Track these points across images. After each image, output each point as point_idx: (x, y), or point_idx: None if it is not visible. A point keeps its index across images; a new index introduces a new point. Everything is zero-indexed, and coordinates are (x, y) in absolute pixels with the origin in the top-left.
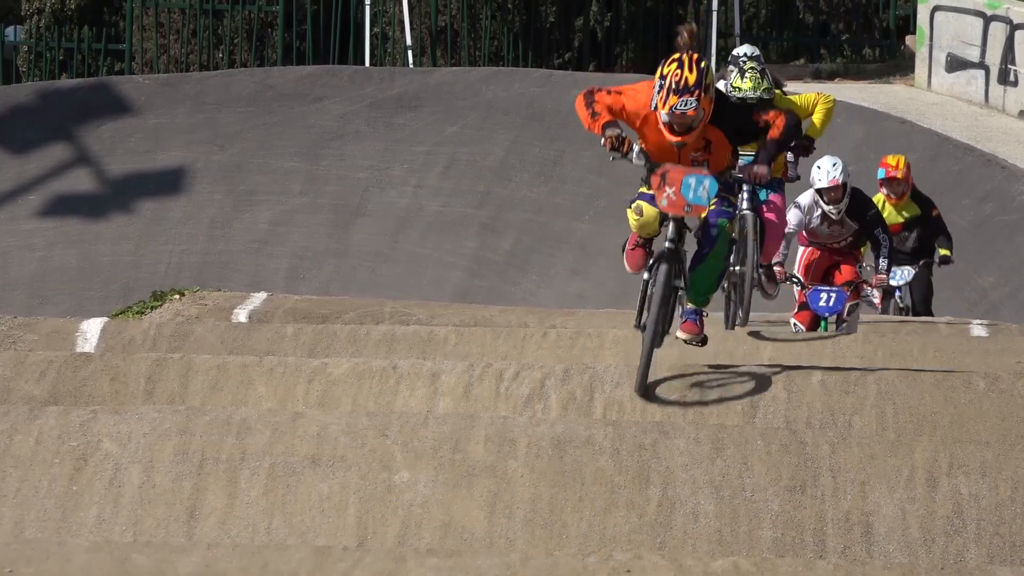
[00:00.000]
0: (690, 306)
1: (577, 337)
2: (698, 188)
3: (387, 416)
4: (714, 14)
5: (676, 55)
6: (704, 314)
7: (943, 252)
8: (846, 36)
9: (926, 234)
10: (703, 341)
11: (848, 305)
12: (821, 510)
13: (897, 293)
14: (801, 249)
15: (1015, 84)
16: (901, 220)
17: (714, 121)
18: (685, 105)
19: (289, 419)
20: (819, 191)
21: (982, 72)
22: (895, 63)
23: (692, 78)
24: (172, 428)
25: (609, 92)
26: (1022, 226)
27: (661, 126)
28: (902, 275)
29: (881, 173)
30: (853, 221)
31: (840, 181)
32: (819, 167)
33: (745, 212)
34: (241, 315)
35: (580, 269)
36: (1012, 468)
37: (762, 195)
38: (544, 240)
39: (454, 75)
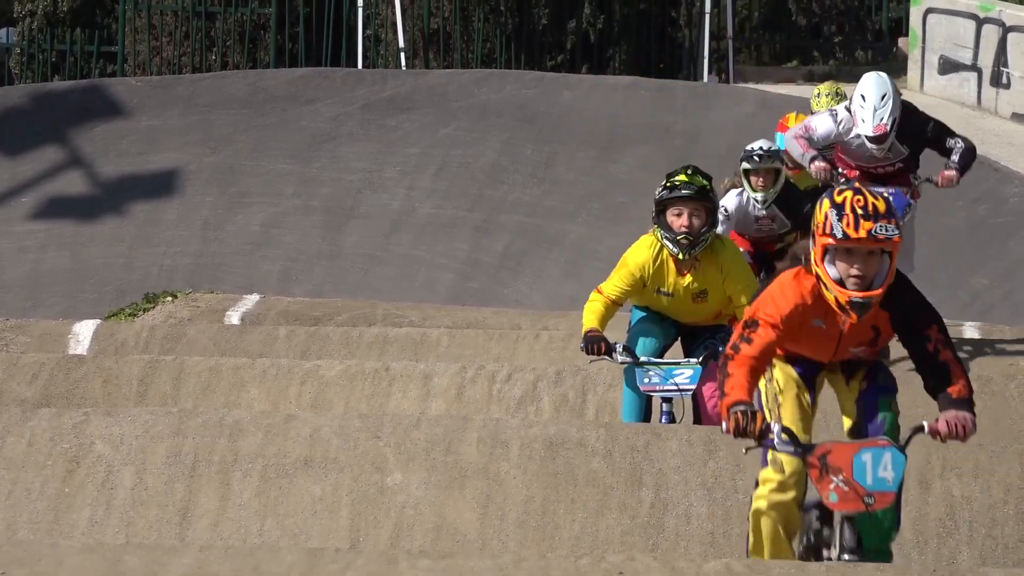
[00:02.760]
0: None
1: (570, 339)
2: (878, 467)
3: (379, 418)
4: (707, 16)
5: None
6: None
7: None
8: (839, 38)
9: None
10: None
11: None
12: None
13: None
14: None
15: (1008, 86)
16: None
17: (885, 304)
18: (886, 231)
19: (281, 421)
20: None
21: (975, 74)
22: (888, 65)
23: (881, 205)
24: (164, 430)
25: (747, 336)
26: (1015, 228)
27: (834, 291)
28: None
29: (780, 141)
30: (904, 145)
31: (888, 126)
32: (862, 103)
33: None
34: (234, 317)
35: (573, 271)
36: (1004, 470)
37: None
38: (537, 242)
39: (446, 77)
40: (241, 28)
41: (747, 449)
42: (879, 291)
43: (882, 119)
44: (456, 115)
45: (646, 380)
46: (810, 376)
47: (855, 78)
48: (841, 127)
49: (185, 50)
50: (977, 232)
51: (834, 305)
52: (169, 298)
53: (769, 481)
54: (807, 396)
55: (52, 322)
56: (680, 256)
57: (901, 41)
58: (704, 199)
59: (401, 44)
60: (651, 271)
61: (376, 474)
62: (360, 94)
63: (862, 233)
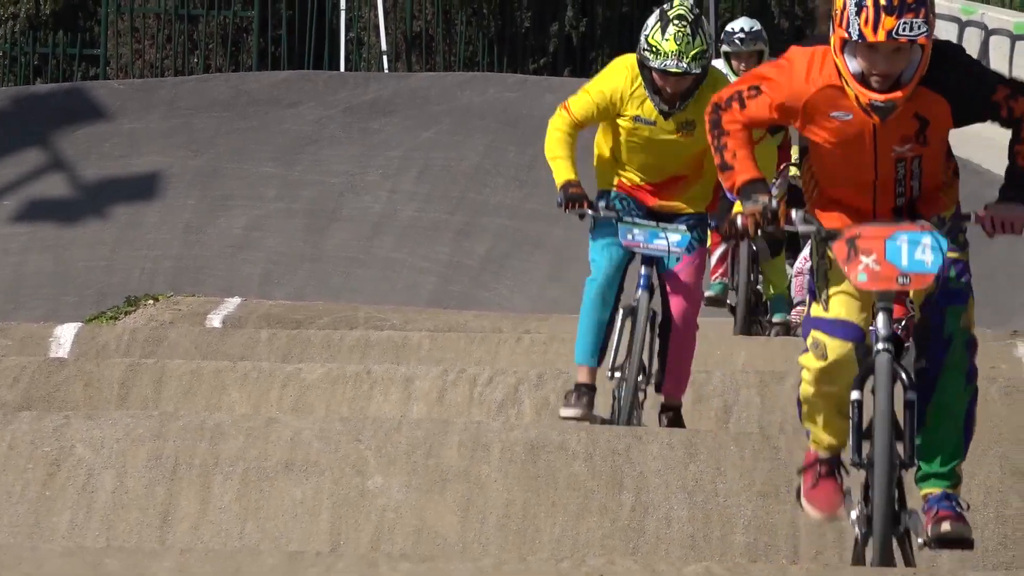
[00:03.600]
0: (934, 490)
1: (551, 342)
2: (914, 248)
3: (361, 421)
4: None
5: None
6: (960, 504)
7: None
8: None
9: None
10: (965, 542)
11: None
12: (794, 515)
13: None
14: None
15: None
16: None
17: (932, 81)
18: (911, 29)
19: (263, 424)
20: None
21: None
22: None
23: None
24: (145, 433)
25: (745, 98)
26: None
27: (854, 89)
28: None
29: None
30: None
31: None
32: None
33: (637, 306)
34: (215, 320)
35: (555, 274)
36: (984, 474)
37: (670, 261)
38: (519, 245)
39: (429, 80)
40: (223, 31)
41: (755, 244)
42: (906, 91)
43: None
44: (438, 118)
45: (629, 236)
46: None
47: None
48: None
49: (167, 53)
50: None
51: (854, 102)
52: (150, 301)
53: (811, 369)
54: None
55: (33, 325)
56: (661, 116)
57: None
58: (693, 72)
59: (383, 47)
60: (628, 95)
61: (357, 477)
62: (342, 97)
63: (880, 36)
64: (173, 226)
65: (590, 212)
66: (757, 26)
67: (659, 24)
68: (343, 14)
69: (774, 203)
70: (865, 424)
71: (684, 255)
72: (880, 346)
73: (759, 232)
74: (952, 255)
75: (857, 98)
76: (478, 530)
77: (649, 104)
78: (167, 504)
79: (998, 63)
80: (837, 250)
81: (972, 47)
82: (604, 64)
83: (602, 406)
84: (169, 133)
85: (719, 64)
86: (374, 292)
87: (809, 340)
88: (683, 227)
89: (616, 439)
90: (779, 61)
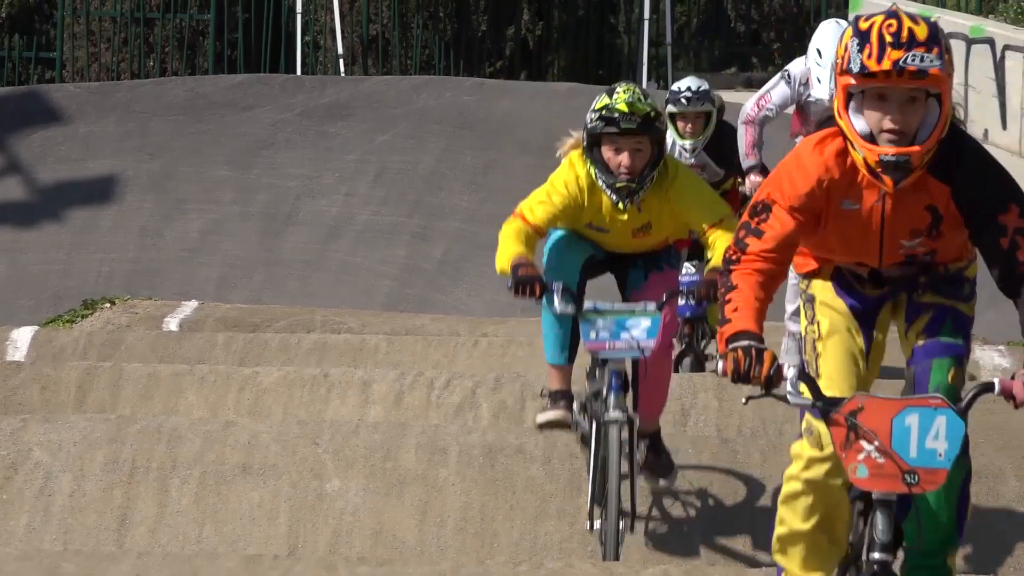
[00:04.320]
0: None
1: (508, 345)
2: (926, 433)
3: (318, 425)
4: (645, 23)
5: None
6: None
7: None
8: (777, 45)
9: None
10: None
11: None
12: (752, 518)
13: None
14: None
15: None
16: None
17: (940, 170)
18: (921, 61)
19: (220, 428)
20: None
21: None
22: None
23: (921, 32)
24: (103, 437)
25: (757, 228)
26: None
27: (860, 149)
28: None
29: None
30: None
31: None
32: (818, 60)
33: (607, 433)
34: (172, 324)
35: None
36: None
37: (633, 280)
38: (475, 249)
39: (385, 84)
40: (180, 34)
41: (747, 399)
42: (921, 147)
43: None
44: (395, 122)
45: (592, 335)
46: (868, 312)
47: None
48: (796, 86)
49: (123, 56)
50: None
51: (863, 169)
52: (107, 304)
53: (803, 458)
54: (860, 341)
55: None
56: (620, 207)
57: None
58: (649, 131)
59: (340, 51)
60: (584, 198)
61: (315, 481)
62: (299, 100)
63: (886, 64)
64: (129, 229)
65: (543, 302)
66: (705, 85)
67: (604, 94)
68: (299, 17)
69: (765, 356)
70: None
71: (652, 273)
72: (876, 556)
73: (738, 379)
74: (955, 305)
75: (866, 161)
76: (436, 533)
77: (604, 207)
78: (124, 507)
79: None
80: (835, 433)
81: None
82: (560, 68)
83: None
84: (125, 136)
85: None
86: (331, 295)
87: (803, 425)
88: (652, 306)
89: (574, 443)
90: (785, 163)
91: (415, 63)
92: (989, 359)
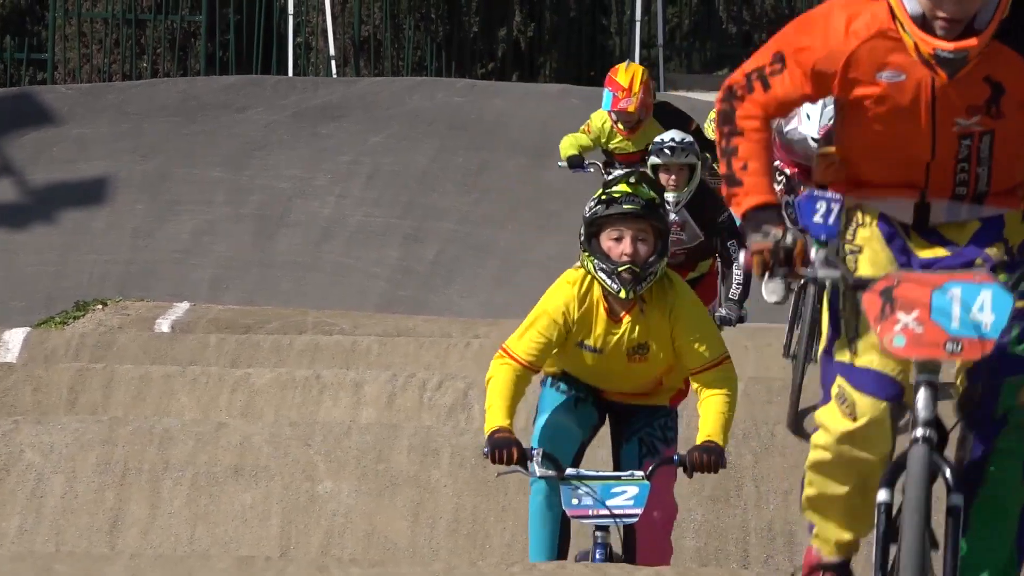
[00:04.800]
0: None
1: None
2: (970, 305)
3: (310, 426)
4: (637, 24)
5: None
6: None
7: None
8: None
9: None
10: None
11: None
12: (744, 520)
13: None
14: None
15: None
16: (639, 150)
17: (1012, 35)
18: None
19: (212, 429)
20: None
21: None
22: None
23: None
24: (95, 438)
25: (767, 75)
26: None
27: (913, 35)
28: None
29: (607, 100)
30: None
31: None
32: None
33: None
34: (164, 325)
35: (504, 279)
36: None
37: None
38: (468, 250)
39: (377, 85)
40: (171, 36)
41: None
42: (983, 38)
43: (831, 118)
44: (387, 123)
45: (574, 502)
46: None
47: None
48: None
49: (115, 57)
50: None
51: (913, 54)
52: (99, 306)
53: (832, 431)
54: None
55: None
56: (622, 294)
57: None
58: (653, 216)
59: (332, 52)
60: (576, 315)
61: (307, 482)
62: (291, 102)
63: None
64: (122, 231)
65: (519, 470)
66: (689, 138)
67: (602, 187)
68: (291, 19)
69: (789, 238)
70: (894, 533)
71: (648, 460)
72: (919, 433)
73: (766, 274)
74: (1018, 303)
75: (917, 48)
76: (428, 535)
77: (598, 328)
78: (117, 509)
79: None
80: (868, 304)
81: None
82: (552, 69)
83: None
84: (117, 138)
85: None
86: (323, 297)
87: (834, 390)
88: (638, 474)
89: None
90: (809, 14)
91: (407, 64)
92: None
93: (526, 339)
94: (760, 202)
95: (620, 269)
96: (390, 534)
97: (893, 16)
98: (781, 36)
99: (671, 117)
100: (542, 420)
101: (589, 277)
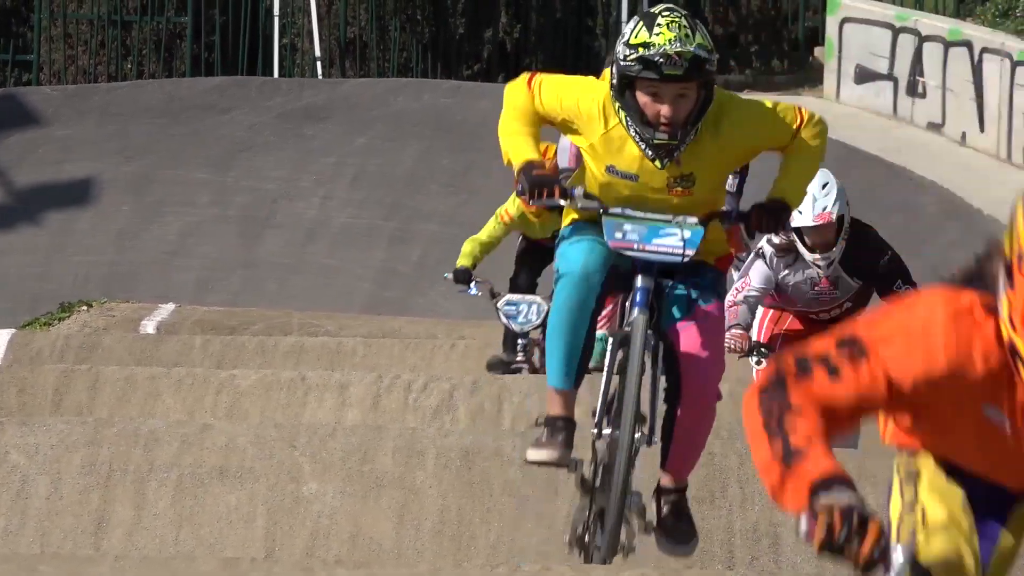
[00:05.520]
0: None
1: (486, 348)
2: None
3: (295, 427)
4: (623, 26)
5: None
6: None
7: None
8: (755, 48)
9: None
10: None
11: None
12: (729, 521)
13: None
14: (762, 309)
15: (923, 96)
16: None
17: None
18: None
19: (197, 431)
20: (799, 231)
21: (891, 84)
22: (804, 74)
23: None
24: (80, 440)
25: (836, 364)
26: (930, 236)
27: None
28: None
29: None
30: (854, 278)
31: (833, 215)
32: None
33: (632, 331)
34: (149, 326)
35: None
36: None
37: (676, 311)
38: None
39: (363, 86)
40: (157, 37)
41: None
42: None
43: (825, 207)
44: (372, 124)
45: (618, 234)
46: (992, 509)
47: (772, 87)
48: (773, 264)
49: (101, 59)
50: (892, 241)
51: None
52: (84, 307)
53: None
54: (975, 544)
55: None
56: (656, 164)
57: (817, 51)
58: (699, 75)
59: (317, 53)
60: (598, 130)
61: (292, 484)
62: (276, 103)
63: None
64: (107, 232)
65: (562, 202)
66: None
67: (642, 23)
68: (277, 20)
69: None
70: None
71: (698, 306)
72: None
73: (828, 549)
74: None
75: None
76: (413, 536)
77: (629, 150)
78: (102, 510)
79: (931, 70)
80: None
81: (905, 54)
82: (537, 70)
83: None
84: (103, 139)
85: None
86: (308, 298)
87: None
88: (692, 219)
89: None
90: (904, 318)
91: (392, 66)
92: None
93: (552, 89)
94: (830, 471)
95: (656, 141)
96: (375, 535)
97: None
98: (862, 320)
99: None
100: (571, 245)
101: None
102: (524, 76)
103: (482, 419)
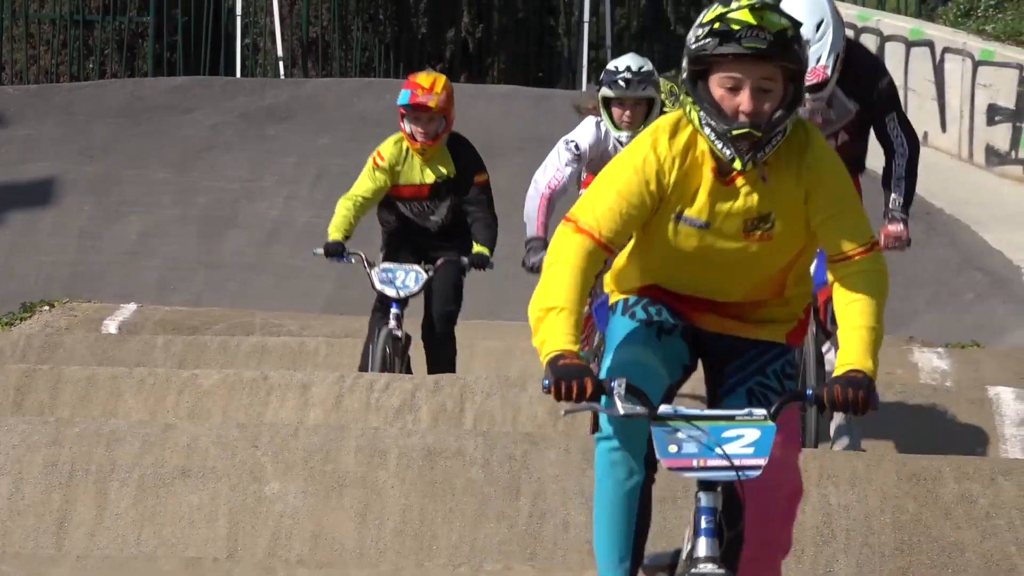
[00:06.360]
0: None
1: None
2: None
3: (257, 427)
4: (585, 26)
5: None
6: None
7: (479, 249)
8: None
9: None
10: None
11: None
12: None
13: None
14: None
15: None
16: (427, 183)
17: None
18: None
19: (159, 430)
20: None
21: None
22: None
23: None
24: (41, 440)
25: None
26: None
27: None
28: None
29: (404, 97)
30: (851, 100)
31: (829, 69)
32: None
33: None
34: (111, 326)
35: None
36: (880, 479)
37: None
38: None
39: (325, 86)
40: (119, 37)
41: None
42: None
43: (819, 58)
44: (335, 124)
45: (672, 448)
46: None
47: None
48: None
49: (63, 59)
50: None
51: None
52: (46, 307)
53: None
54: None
55: None
56: (737, 165)
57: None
58: (786, 57)
59: (279, 53)
60: (673, 175)
61: (254, 483)
62: (239, 103)
63: None
64: (69, 232)
65: (594, 407)
66: (648, 66)
67: (716, 3)
68: (239, 20)
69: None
70: None
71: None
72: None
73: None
74: None
75: None
76: (375, 536)
77: (704, 192)
78: (63, 510)
79: (892, 69)
80: None
81: None
82: (500, 70)
83: None
84: (65, 139)
85: (588, 124)
86: (271, 298)
87: None
88: (759, 412)
89: (513, 445)
90: None
91: (355, 65)
92: (928, 361)
93: (603, 205)
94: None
95: (735, 131)
96: (337, 535)
97: None
98: None
99: (466, 156)
100: (612, 356)
101: (689, 124)
102: (565, 224)
103: (444, 418)
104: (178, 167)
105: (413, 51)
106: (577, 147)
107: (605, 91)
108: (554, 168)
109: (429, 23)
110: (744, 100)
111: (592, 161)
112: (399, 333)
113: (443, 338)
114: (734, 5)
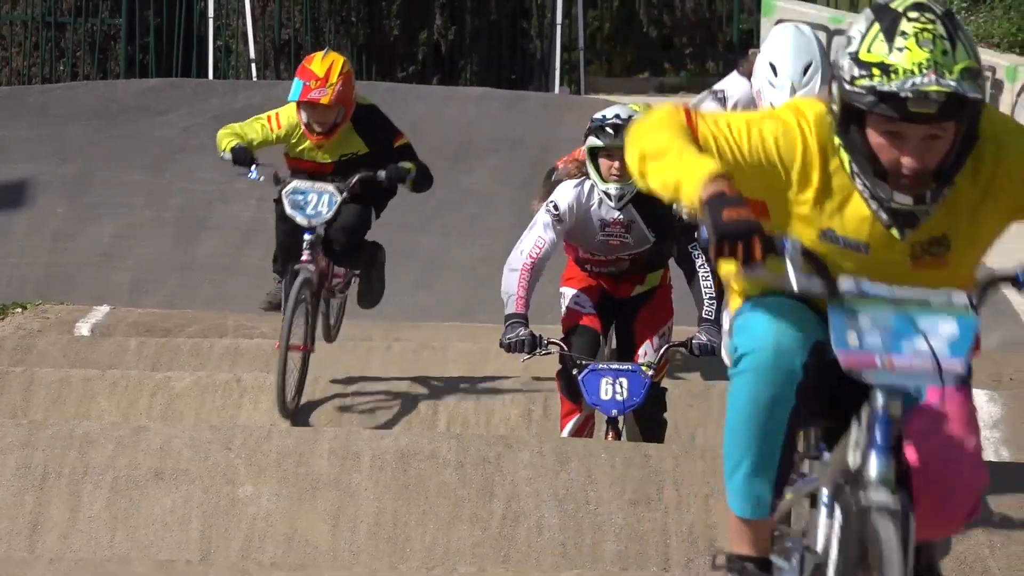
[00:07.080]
0: None
1: (421, 350)
2: None
3: (231, 430)
4: (558, 28)
5: None
6: None
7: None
8: (690, 49)
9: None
10: None
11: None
12: (665, 523)
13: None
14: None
15: None
16: (330, 161)
17: None
18: None
19: (132, 433)
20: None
21: (825, 86)
22: None
23: None
24: (14, 442)
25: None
26: None
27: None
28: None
29: (296, 90)
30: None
31: None
32: (772, 78)
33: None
34: (84, 328)
35: (425, 282)
36: None
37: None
38: (389, 254)
39: None
40: (91, 38)
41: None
42: None
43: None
44: None
45: (852, 339)
46: None
47: (705, 88)
48: (730, 108)
49: (35, 60)
50: None
51: None
52: (19, 309)
53: None
54: None
55: None
56: (894, 232)
57: (752, 52)
58: (961, 113)
59: (252, 55)
60: (817, 182)
61: (227, 486)
62: (212, 105)
63: None
64: (42, 234)
65: (761, 272)
66: (637, 114)
67: (878, 27)
68: (211, 22)
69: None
70: None
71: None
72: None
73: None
74: None
75: None
76: (349, 538)
77: (855, 208)
78: (36, 513)
79: None
80: None
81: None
82: (473, 72)
83: None
84: (37, 141)
85: (566, 185)
86: (244, 300)
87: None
88: (960, 298)
89: (487, 447)
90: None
91: None
92: None
93: (722, 125)
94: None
95: (894, 205)
96: (311, 537)
97: None
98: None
99: (375, 128)
100: (747, 315)
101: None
102: (676, 108)
103: (417, 421)
104: (151, 169)
105: (385, 53)
106: (556, 207)
107: (592, 140)
108: (535, 235)
109: (401, 25)
110: (907, 159)
111: (573, 229)
112: (312, 268)
113: (348, 249)
114: (899, 43)
